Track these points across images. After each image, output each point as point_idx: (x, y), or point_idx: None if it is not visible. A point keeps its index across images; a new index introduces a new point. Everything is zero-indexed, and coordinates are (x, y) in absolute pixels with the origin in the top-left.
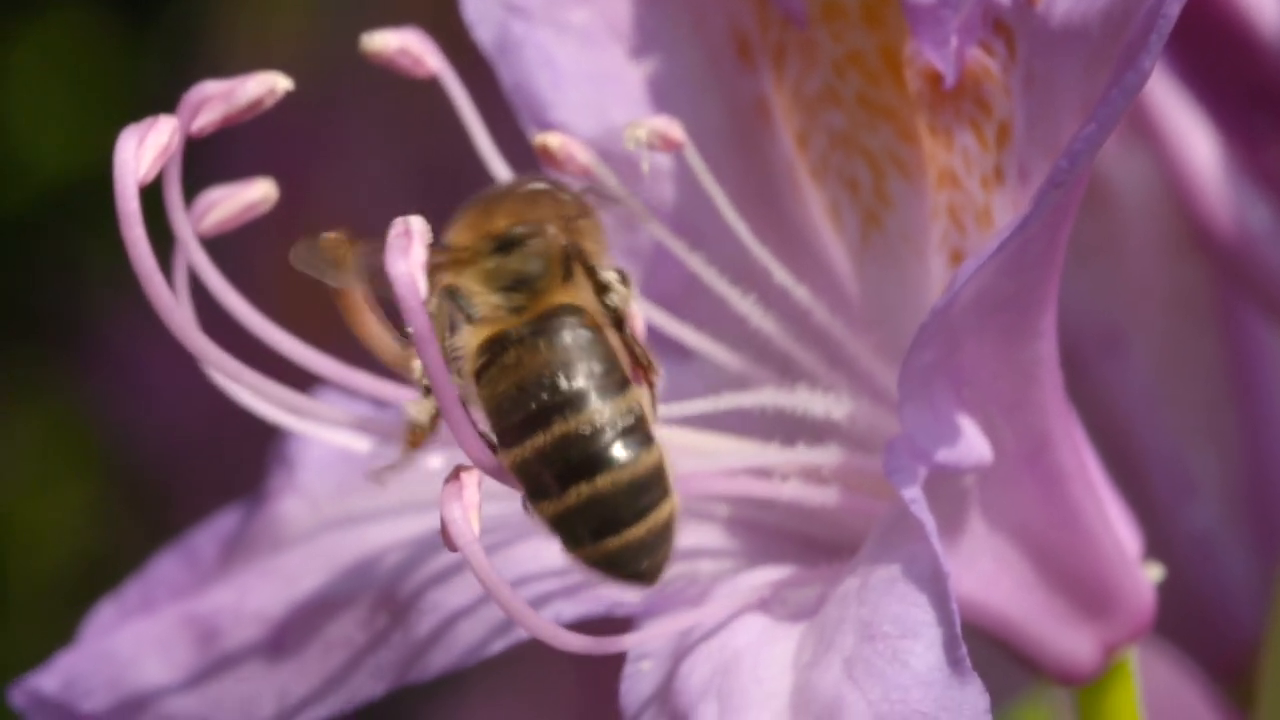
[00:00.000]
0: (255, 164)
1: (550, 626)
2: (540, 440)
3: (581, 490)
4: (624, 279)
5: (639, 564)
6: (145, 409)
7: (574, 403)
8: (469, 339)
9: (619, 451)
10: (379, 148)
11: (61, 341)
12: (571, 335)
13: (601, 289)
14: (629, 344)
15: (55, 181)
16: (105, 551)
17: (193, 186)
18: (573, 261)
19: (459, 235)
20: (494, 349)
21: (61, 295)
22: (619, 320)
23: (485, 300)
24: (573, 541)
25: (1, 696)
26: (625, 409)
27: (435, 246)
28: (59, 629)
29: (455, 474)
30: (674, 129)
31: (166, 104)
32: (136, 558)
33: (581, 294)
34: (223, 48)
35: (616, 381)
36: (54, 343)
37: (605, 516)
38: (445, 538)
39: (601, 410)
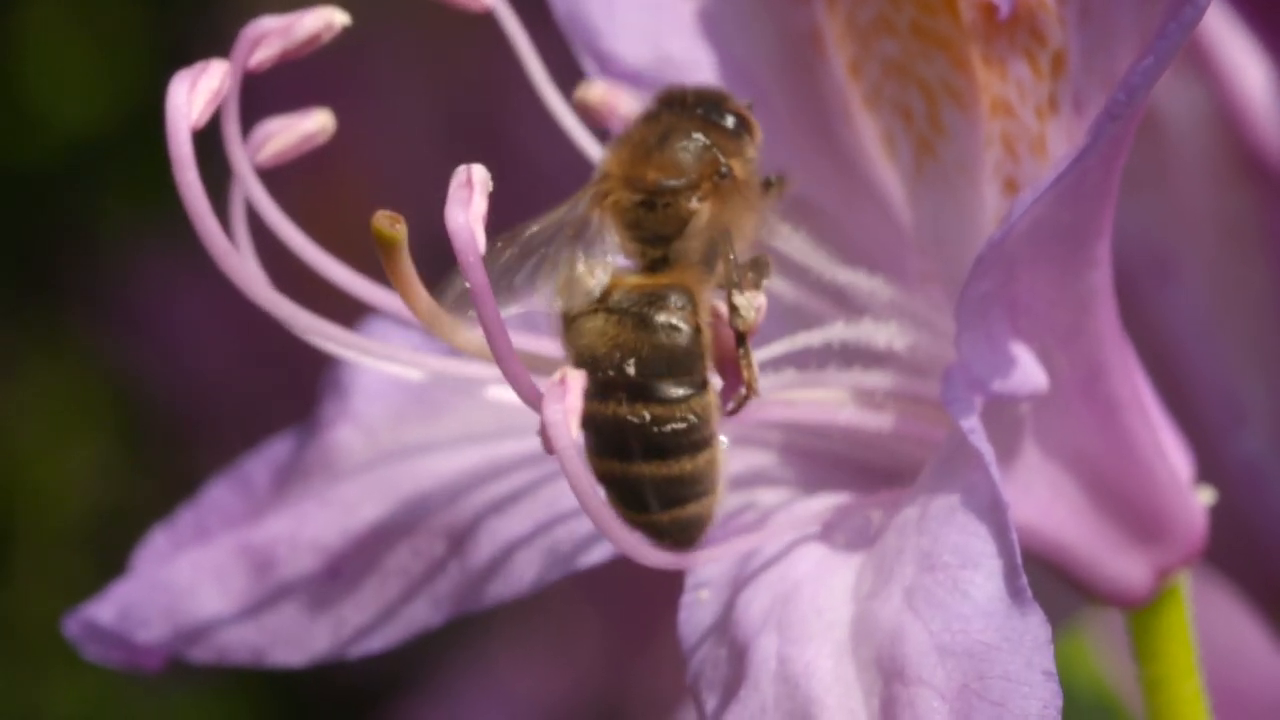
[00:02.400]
0: (285, 104)
1: (632, 539)
2: (596, 407)
3: (615, 466)
4: (762, 269)
5: (662, 539)
6: (161, 365)
7: (636, 390)
8: (585, 275)
9: (659, 449)
10: (409, 88)
11: (78, 297)
12: (665, 331)
13: (731, 307)
14: (741, 361)
15: (73, 137)
16: (120, 508)
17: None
18: (717, 247)
19: (612, 164)
20: (602, 301)
21: (78, 251)
22: (738, 336)
23: (624, 244)
24: (625, 507)
25: (15, 651)
26: (688, 411)
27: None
28: (74, 584)
29: (561, 377)
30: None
31: (186, 60)
32: (150, 515)
33: (704, 281)
34: (245, 5)
35: (687, 383)
36: (70, 299)
37: (634, 496)
38: (544, 439)
39: (659, 408)
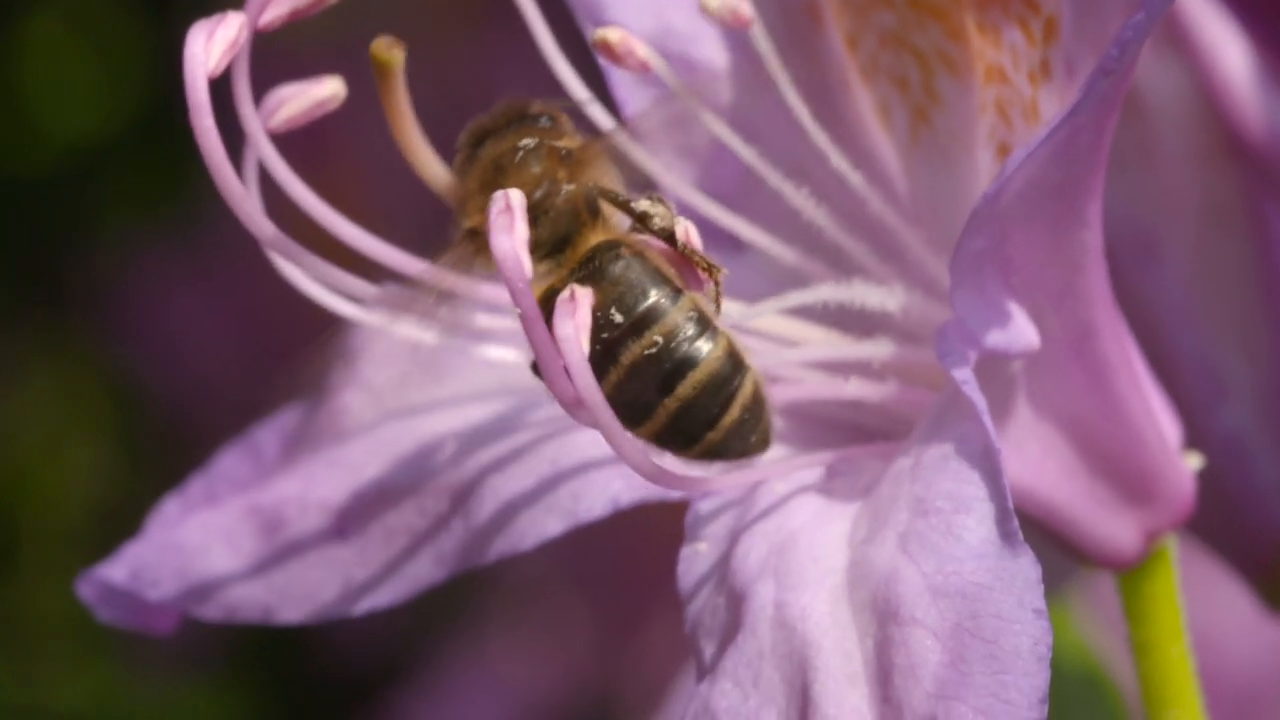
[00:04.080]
0: (288, 77)
1: (650, 461)
2: (614, 376)
3: (668, 405)
4: (656, 199)
5: (748, 440)
6: (160, 368)
7: (634, 328)
8: None
9: (690, 357)
10: (407, 70)
11: (78, 302)
12: (617, 266)
13: (642, 217)
14: (687, 254)
15: (73, 144)
16: (120, 508)
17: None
18: (597, 201)
19: (474, 220)
20: (546, 304)
21: (78, 256)
22: (669, 237)
23: (536, 269)
24: (679, 448)
25: (20, 650)
26: (685, 316)
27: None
28: (75, 585)
29: (571, 293)
30: (744, 5)
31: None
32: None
33: (615, 227)
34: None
35: (669, 294)
36: (71, 303)
37: (698, 418)
38: (556, 357)
39: (663, 325)
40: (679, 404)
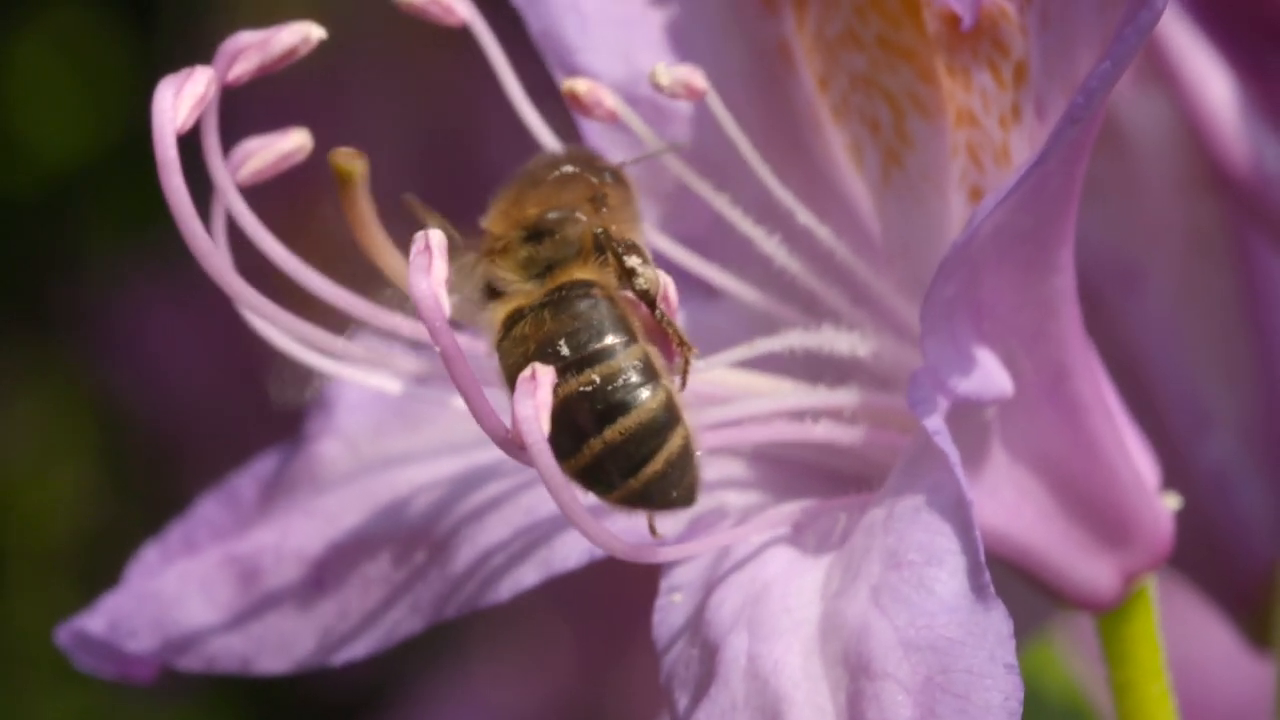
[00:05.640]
0: (264, 126)
1: (601, 528)
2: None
3: (593, 445)
4: (649, 262)
5: (669, 494)
6: (145, 389)
7: (576, 365)
8: (495, 314)
9: (624, 402)
10: (382, 112)
11: (63, 324)
12: (579, 299)
13: (629, 273)
14: (662, 323)
15: (58, 166)
16: (106, 531)
17: (195, 144)
18: (603, 245)
19: (495, 223)
20: (509, 323)
21: (64, 279)
22: (649, 301)
23: (520, 287)
24: (600, 491)
25: (5, 671)
26: (630, 363)
27: (470, 241)
28: (61, 602)
29: (531, 372)
30: (697, 77)
31: None
32: (137, 537)
33: (603, 272)
34: (228, 30)
35: (622, 341)
36: (56, 325)
37: (620, 464)
38: (515, 434)
39: (606, 367)
40: (604, 446)
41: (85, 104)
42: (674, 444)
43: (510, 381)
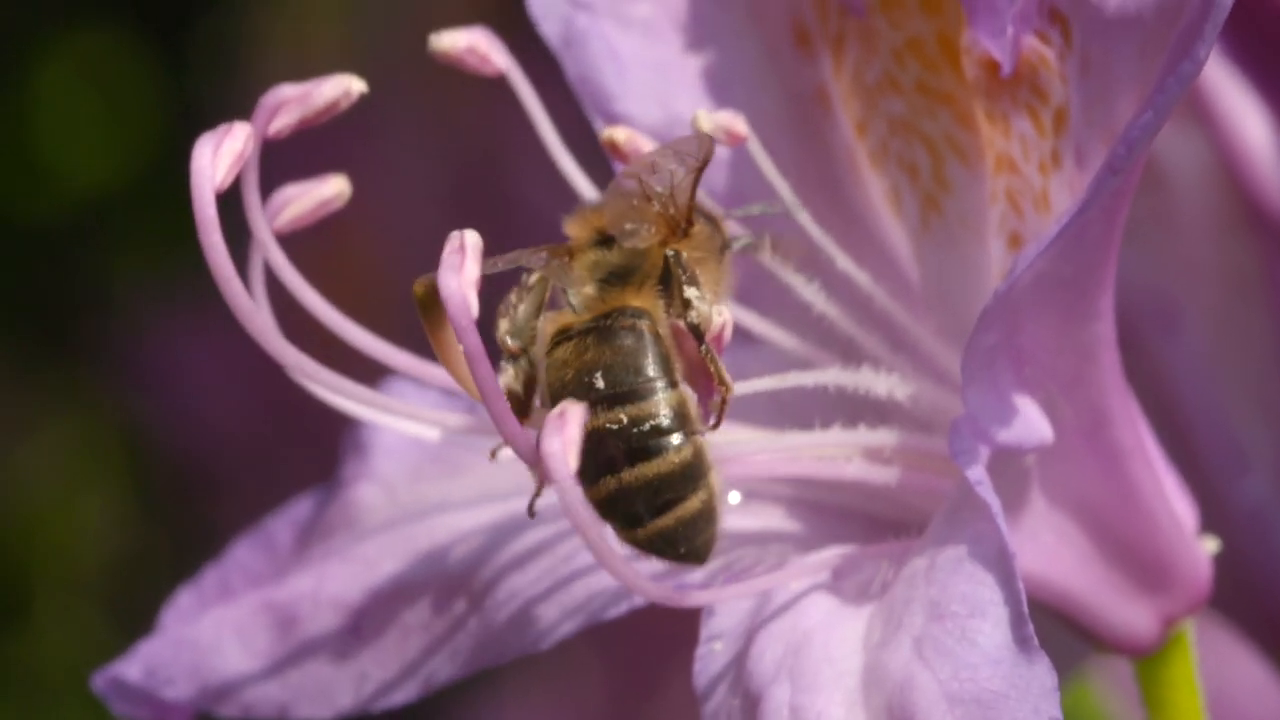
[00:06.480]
0: (292, 171)
1: (632, 571)
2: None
3: (608, 482)
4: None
5: (676, 549)
6: (172, 419)
7: (609, 400)
8: (547, 326)
9: (646, 448)
10: (414, 154)
11: (91, 352)
12: (624, 335)
13: (685, 304)
14: (706, 359)
15: (85, 195)
16: (133, 561)
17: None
18: (670, 269)
19: (573, 226)
20: (556, 340)
21: (91, 307)
22: (698, 335)
23: (583, 291)
24: (613, 525)
25: (33, 702)
26: (663, 409)
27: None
28: (89, 632)
29: (561, 411)
30: (738, 123)
31: (199, 118)
32: (162, 565)
33: (658, 301)
34: (257, 61)
35: (660, 383)
36: (84, 353)
37: (631, 509)
38: (542, 472)
39: (637, 408)
40: (618, 485)
41: (111, 131)
42: (690, 504)
43: (548, 400)
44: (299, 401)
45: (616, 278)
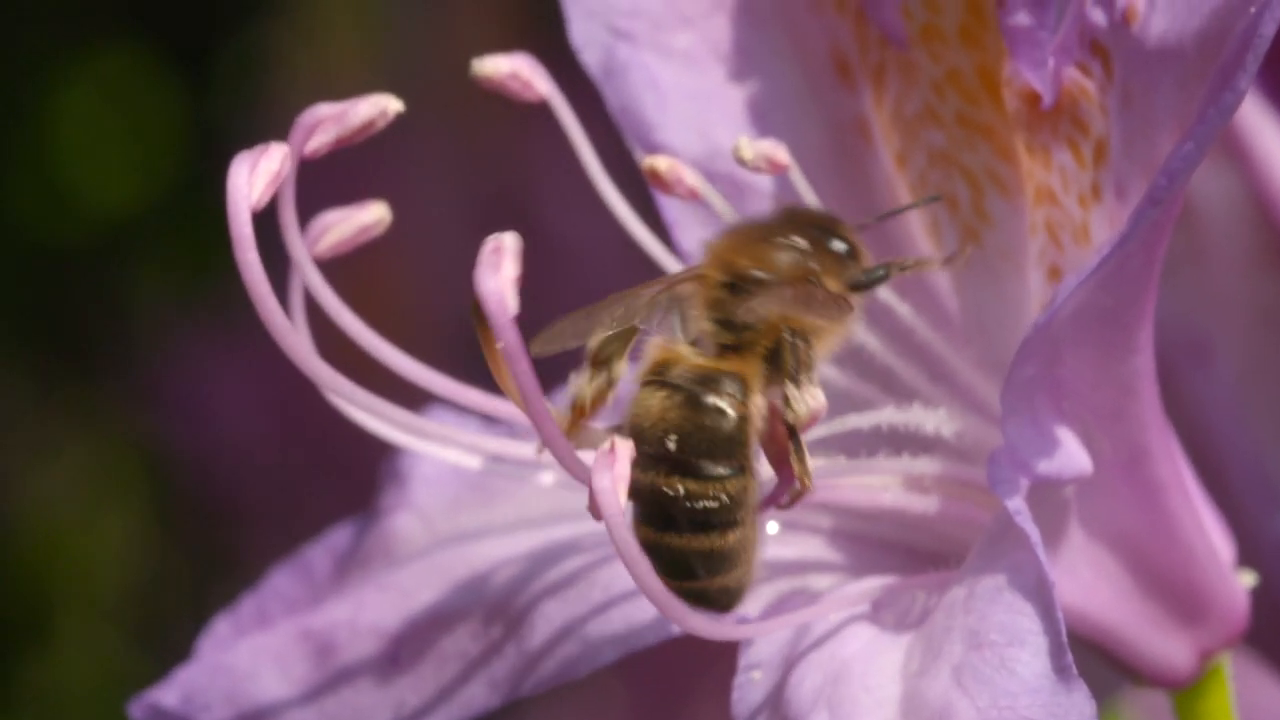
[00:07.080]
0: (318, 196)
1: (676, 603)
2: (638, 476)
3: (654, 534)
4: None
5: (707, 605)
6: (195, 441)
7: (675, 465)
8: (652, 350)
9: (695, 521)
10: (437, 178)
11: (113, 374)
12: (711, 413)
13: (786, 399)
14: (793, 454)
15: (108, 216)
16: (155, 582)
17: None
18: (780, 351)
19: (707, 255)
20: (649, 376)
21: (113, 328)
22: (790, 430)
23: (699, 323)
24: (654, 565)
25: (52, 716)
26: (723, 491)
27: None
28: (110, 654)
29: (610, 445)
30: (780, 152)
31: (222, 140)
32: (184, 587)
33: (761, 368)
34: (280, 84)
35: (725, 465)
36: (106, 375)
37: (670, 565)
38: (591, 507)
39: (698, 484)
40: (657, 540)
41: (134, 152)
42: (723, 579)
43: (626, 427)
44: (321, 427)
45: (732, 328)
